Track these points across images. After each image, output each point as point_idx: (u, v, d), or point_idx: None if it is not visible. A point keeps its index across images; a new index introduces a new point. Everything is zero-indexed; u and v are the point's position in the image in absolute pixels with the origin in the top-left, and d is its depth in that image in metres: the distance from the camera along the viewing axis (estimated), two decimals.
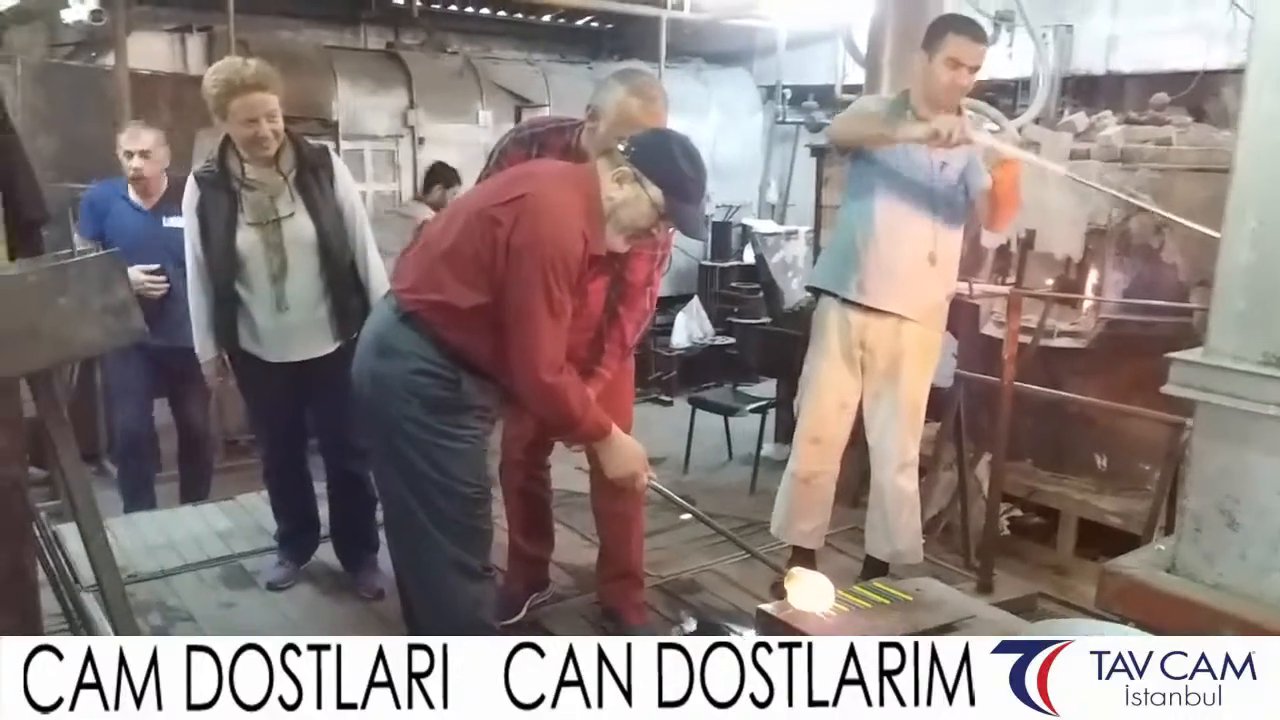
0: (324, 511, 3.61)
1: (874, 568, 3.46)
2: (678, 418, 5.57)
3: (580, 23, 7.35)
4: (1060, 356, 4.15)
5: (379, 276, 3.33)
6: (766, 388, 5.80)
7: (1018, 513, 4.41)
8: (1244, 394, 1.98)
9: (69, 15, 4.21)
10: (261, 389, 3.41)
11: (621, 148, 2.40)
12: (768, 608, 2.27)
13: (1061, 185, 4.15)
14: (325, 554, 3.64)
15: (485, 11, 6.91)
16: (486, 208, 2.34)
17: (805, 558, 3.45)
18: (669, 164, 2.37)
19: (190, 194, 3.21)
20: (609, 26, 7.48)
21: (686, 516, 4.27)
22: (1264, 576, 2.00)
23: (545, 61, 6.93)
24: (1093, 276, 4.24)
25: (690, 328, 6.91)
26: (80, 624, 2.58)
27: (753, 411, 5.21)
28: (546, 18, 7.16)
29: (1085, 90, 5.95)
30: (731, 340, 6.57)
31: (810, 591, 2.25)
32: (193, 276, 3.27)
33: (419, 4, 6.26)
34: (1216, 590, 2.00)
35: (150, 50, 5.18)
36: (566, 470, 3.64)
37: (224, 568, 3.68)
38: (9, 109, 2.48)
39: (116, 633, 2.35)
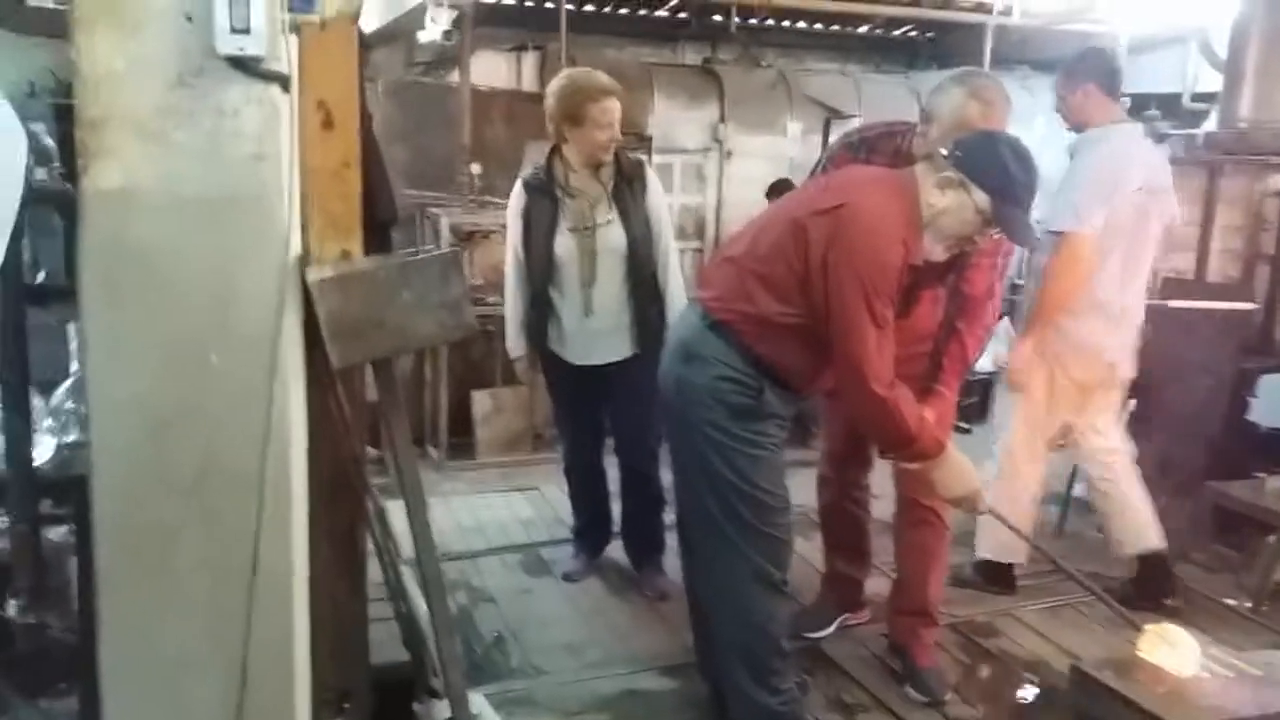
0: (616, 511, 3.73)
1: None
2: (978, 446, 5.24)
3: (898, 32, 7.14)
4: None
5: (678, 287, 3.40)
6: None
7: None
8: None
9: (424, 36, 4.63)
10: (565, 389, 3.57)
11: (945, 152, 2.29)
12: (1087, 666, 2.02)
13: None
14: (615, 551, 3.76)
15: (801, 25, 6.88)
16: (802, 216, 2.30)
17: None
18: (998, 167, 2.23)
19: (517, 198, 3.41)
20: (928, 35, 7.21)
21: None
22: None
23: (859, 72, 6.79)
24: None
25: (995, 350, 6.48)
26: (400, 595, 2.80)
27: None
28: (863, 29, 7.01)
29: None
30: None
31: (1174, 650, 1.99)
32: (512, 277, 3.47)
33: (735, 20, 6.33)
34: None
35: (490, 68, 5.60)
36: None
37: (524, 554, 3.89)
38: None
39: (430, 608, 2.53)
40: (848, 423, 3.04)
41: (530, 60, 5.77)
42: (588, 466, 3.66)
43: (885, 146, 2.78)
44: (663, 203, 3.43)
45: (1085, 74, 3.35)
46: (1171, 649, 1.97)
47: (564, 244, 3.32)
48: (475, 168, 5.16)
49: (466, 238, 5.12)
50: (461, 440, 5.13)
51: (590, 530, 3.74)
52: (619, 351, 3.37)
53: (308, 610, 2.17)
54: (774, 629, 2.52)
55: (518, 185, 3.44)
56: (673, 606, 3.38)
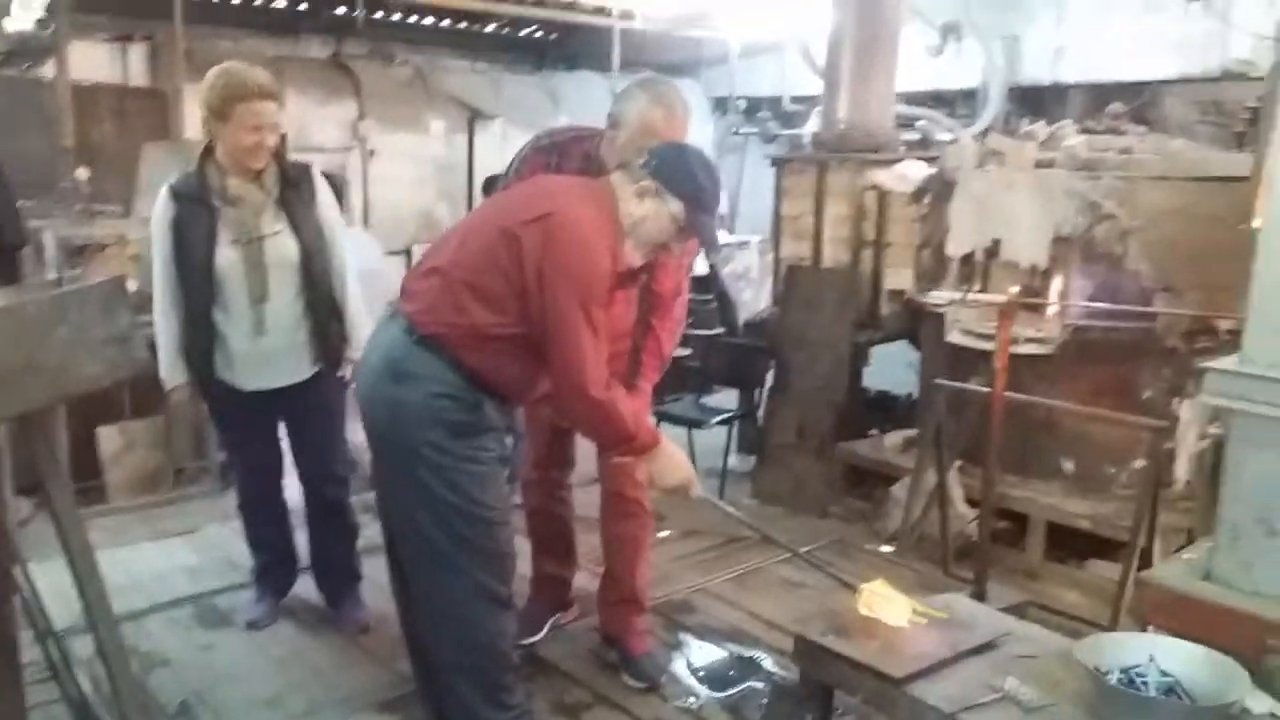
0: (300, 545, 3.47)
1: None
2: None
3: (525, 32, 7.28)
4: (1025, 363, 4.21)
5: (357, 298, 3.23)
6: (726, 398, 5.77)
7: None
8: None
9: (11, 25, 3.98)
10: (236, 418, 3.25)
11: (640, 162, 2.37)
12: (810, 633, 2.20)
13: (1026, 193, 4.24)
14: (303, 588, 3.49)
15: (429, 21, 6.79)
16: (512, 226, 2.27)
17: None
18: (689, 177, 2.35)
19: (164, 208, 3.03)
20: (553, 36, 7.42)
21: (664, 534, 4.27)
22: None
23: (491, 70, 6.84)
24: (1057, 284, 4.32)
25: None
26: (65, 674, 2.42)
27: (720, 424, 5.18)
28: (491, 27, 7.07)
29: (1030, 100, 6.10)
30: (686, 352, 6.53)
31: (887, 605, 2.21)
32: (162, 297, 3.08)
33: (363, 14, 6.10)
34: (1262, 599, 2.02)
35: (89, 60, 4.93)
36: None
37: (196, 606, 3.49)
38: None
39: (114, 684, 2.21)
40: (549, 426, 3.07)
41: (138, 52, 5.16)
42: (267, 500, 3.34)
43: (575, 150, 2.82)
44: (335, 209, 3.21)
45: None
46: (885, 604, 2.21)
47: (227, 257, 3.00)
48: (83, 173, 4.55)
49: (78, 252, 4.51)
50: (87, 484, 4.50)
51: (274, 570, 3.43)
52: (299, 372, 3.12)
53: None
54: (503, 645, 2.49)
55: (163, 192, 3.05)
56: (376, 638, 3.21)
